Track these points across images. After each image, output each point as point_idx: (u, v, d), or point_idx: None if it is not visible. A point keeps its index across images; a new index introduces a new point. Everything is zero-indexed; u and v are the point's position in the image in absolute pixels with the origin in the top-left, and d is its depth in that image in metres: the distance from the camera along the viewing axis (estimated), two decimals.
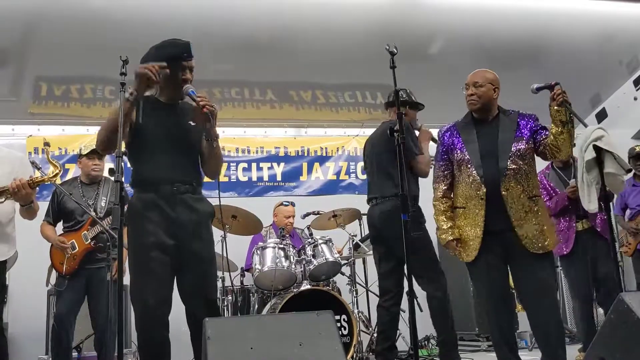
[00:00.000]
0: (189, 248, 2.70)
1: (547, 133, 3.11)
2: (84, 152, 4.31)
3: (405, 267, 3.97)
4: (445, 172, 3.30)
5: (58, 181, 3.47)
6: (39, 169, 3.87)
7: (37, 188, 3.24)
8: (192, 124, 2.76)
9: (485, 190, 3.08)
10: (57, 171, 3.25)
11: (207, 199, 2.91)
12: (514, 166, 3.08)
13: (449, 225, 3.23)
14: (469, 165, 3.15)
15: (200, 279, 2.75)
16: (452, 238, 3.20)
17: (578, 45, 5.91)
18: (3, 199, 3.14)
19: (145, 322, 2.62)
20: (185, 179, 2.75)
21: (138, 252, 2.67)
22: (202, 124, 2.69)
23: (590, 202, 3.03)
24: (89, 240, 4.06)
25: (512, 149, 3.10)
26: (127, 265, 2.75)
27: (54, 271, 4.14)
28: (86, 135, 5.98)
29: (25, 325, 5.08)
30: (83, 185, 4.28)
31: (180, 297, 2.77)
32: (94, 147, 4.33)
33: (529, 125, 3.17)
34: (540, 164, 3.80)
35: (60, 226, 4.28)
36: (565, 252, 4.25)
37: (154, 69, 2.56)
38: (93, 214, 4.01)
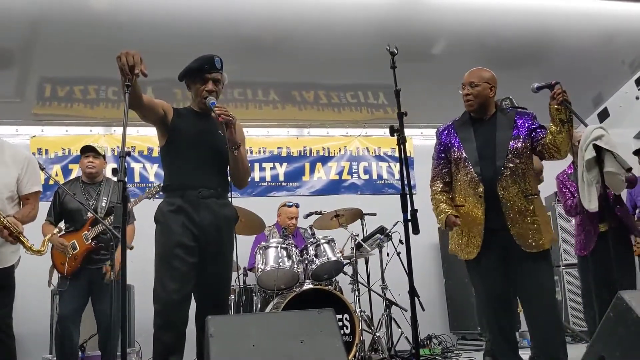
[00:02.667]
0: (209, 250, 2.84)
1: (545, 132, 3.11)
2: (79, 150, 4.33)
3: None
4: (443, 171, 3.31)
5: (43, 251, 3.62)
6: (42, 169, 3.90)
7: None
8: (222, 134, 2.91)
9: (483, 188, 3.09)
10: (42, 250, 3.45)
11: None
12: (510, 165, 3.08)
13: (448, 206, 3.19)
14: (467, 164, 3.15)
15: (215, 281, 2.89)
16: (450, 212, 3.14)
17: (580, 45, 5.91)
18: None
19: (168, 317, 2.72)
20: (210, 184, 2.90)
21: (164, 251, 2.80)
22: (224, 132, 2.84)
23: (590, 202, 3.04)
24: (90, 240, 4.07)
25: (509, 148, 3.10)
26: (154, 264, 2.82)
27: (55, 272, 4.14)
28: (89, 136, 6.02)
29: (29, 324, 5.10)
30: (85, 185, 4.28)
31: (193, 296, 2.87)
32: (89, 144, 4.36)
33: (526, 124, 3.17)
34: (561, 164, 3.81)
35: (61, 225, 4.28)
36: (584, 254, 4.25)
37: (127, 58, 2.44)
38: (94, 213, 4.02)
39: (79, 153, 4.36)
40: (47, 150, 5.98)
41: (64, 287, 4.04)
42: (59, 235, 4.12)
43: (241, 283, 5.00)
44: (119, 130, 6.13)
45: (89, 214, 4.09)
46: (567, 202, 4.33)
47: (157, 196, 4.37)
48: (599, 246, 4.15)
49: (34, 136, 5.98)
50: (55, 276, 4.16)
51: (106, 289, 4.01)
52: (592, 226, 4.20)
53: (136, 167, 6.19)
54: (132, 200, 4.35)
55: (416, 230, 2.52)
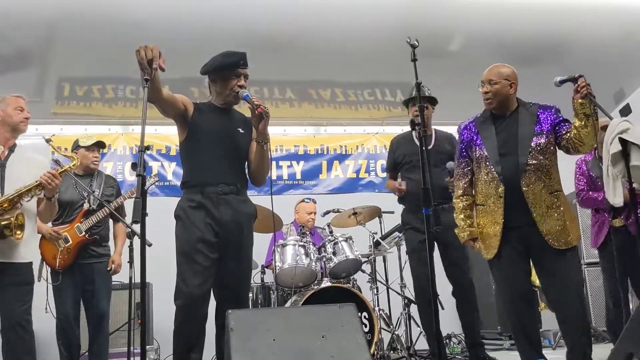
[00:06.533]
0: (230, 247, 2.83)
1: (569, 126, 3.06)
2: (83, 143, 4.26)
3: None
4: (465, 170, 3.28)
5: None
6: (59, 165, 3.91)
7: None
8: (242, 131, 2.92)
9: (503, 188, 3.05)
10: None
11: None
12: (534, 161, 3.04)
13: (467, 224, 3.23)
14: (487, 163, 3.12)
15: (236, 277, 2.88)
16: (469, 237, 3.21)
17: (600, 41, 5.82)
18: (29, 197, 3.19)
19: (190, 312, 2.72)
20: (230, 180, 2.89)
21: (186, 247, 2.80)
22: (257, 125, 2.85)
23: (615, 196, 2.98)
24: (83, 232, 3.97)
25: (532, 144, 3.05)
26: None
27: (45, 266, 3.96)
28: (108, 135, 6.08)
29: (44, 321, 5.13)
30: (77, 176, 4.18)
31: (212, 293, 2.86)
32: (95, 139, 4.32)
33: (549, 119, 3.12)
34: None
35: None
36: (597, 246, 4.20)
37: (145, 52, 2.45)
38: (106, 204, 4.01)
39: (80, 144, 4.31)
40: (65, 149, 6.00)
41: (57, 281, 3.89)
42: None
43: (259, 281, 4.99)
44: (137, 129, 6.18)
45: (85, 206, 4.05)
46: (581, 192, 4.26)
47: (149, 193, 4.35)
48: (609, 240, 4.06)
49: (54, 135, 6.03)
50: (45, 271, 3.97)
51: (104, 284, 4.00)
52: (604, 219, 4.13)
53: (154, 165, 6.22)
54: (122, 194, 4.31)
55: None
